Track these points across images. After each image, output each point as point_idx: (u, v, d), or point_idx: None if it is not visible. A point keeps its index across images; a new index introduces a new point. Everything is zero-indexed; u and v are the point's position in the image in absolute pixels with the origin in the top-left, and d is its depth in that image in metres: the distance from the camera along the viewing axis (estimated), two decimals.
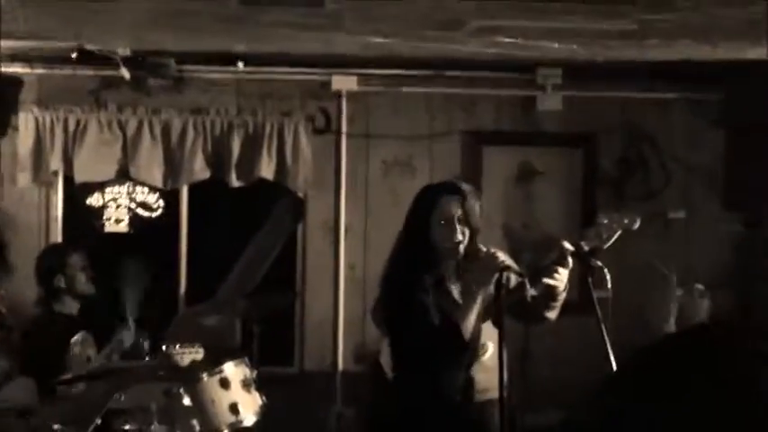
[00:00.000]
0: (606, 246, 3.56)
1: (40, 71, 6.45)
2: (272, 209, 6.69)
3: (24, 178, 6.44)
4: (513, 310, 3.50)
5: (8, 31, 5.73)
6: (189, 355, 4.11)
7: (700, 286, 5.91)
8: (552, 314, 3.68)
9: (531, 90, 6.70)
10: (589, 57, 6.17)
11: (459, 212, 3.54)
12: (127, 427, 4.45)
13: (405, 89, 6.70)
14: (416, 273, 3.50)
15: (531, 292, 3.66)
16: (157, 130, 6.52)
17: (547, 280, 3.50)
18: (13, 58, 6.29)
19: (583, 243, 3.54)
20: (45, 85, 6.50)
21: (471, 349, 3.54)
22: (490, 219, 3.73)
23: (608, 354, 3.22)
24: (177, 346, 4.03)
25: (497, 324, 3.38)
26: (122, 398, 4.13)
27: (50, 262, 5.18)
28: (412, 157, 6.78)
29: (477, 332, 3.51)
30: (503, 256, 3.42)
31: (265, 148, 6.54)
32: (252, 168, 6.53)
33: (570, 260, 3.51)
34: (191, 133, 6.52)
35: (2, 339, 3.22)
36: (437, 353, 3.47)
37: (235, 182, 6.54)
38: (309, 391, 6.64)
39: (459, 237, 3.50)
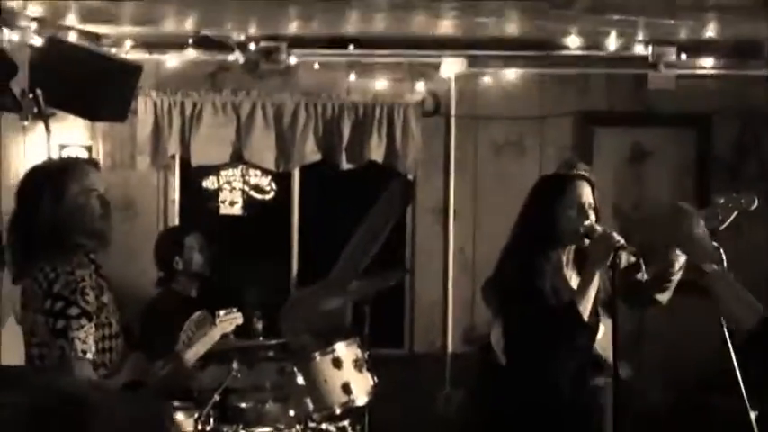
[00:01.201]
0: (723, 226, 3.50)
1: (157, 56, 6.62)
2: (382, 191, 6.75)
3: (143, 162, 6.62)
4: (623, 293, 3.47)
5: (128, 17, 5.93)
6: (230, 321, 4.14)
7: None
8: (664, 296, 3.64)
9: (644, 69, 6.57)
10: (704, 34, 6.02)
11: (589, 199, 3.53)
12: (243, 404, 4.57)
13: (515, 70, 6.65)
14: (538, 255, 3.48)
15: (643, 274, 3.63)
16: (270, 114, 6.63)
17: (667, 260, 3.46)
18: (133, 44, 6.48)
19: None
20: (163, 69, 6.66)
21: (590, 331, 3.52)
22: (601, 200, 3.68)
23: (725, 335, 3.16)
24: (222, 312, 4.09)
25: (611, 304, 3.35)
26: (239, 375, 4.24)
27: (168, 244, 5.33)
28: (522, 139, 6.74)
29: (594, 313, 3.48)
30: (617, 236, 3.39)
31: (375, 131, 6.58)
32: (362, 151, 6.59)
33: None
34: (302, 116, 6.61)
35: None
36: (556, 335, 3.44)
37: (345, 164, 6.61)
38: (419, 372, 6.69)
39: (588, 223, 3.48)
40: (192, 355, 3.78)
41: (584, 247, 3.53)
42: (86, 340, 3.05)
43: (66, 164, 3.38)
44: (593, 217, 3.52)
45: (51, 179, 3.24)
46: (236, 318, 4.11)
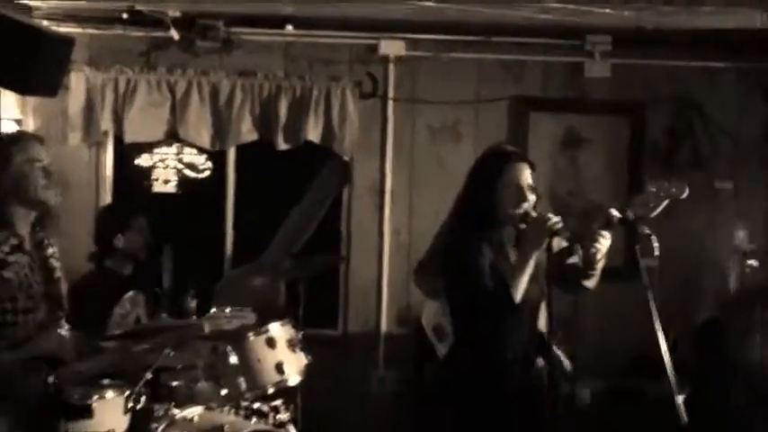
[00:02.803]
0: (653, 214, 3.55)
1: (91, 31, 6.51)
2: (318, 172, 6.74)
3: (75, 137, 6.52)
4: (555, 277, 3.50)
5: None
6: (238, 319, 4.16)
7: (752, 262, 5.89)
8: (590, 283, 3.68)
9: (580, 57, 6.65)
10: (639, 23, 6.10)
11: (529, 181, 3.55)
12: (174, 383, 4.53)
13: (452, 55, 6.68)
14: (476, 236, 3.50)
15: (573, 259, 3.67)
16: (206, 92, 6.57)
17: (590, 245, 3.50)
18: (65, 17, 6.36)
19: (630, 211, 3.53)
20: (96, 45, 6.56)
21: (528, 313, 3.54)
22: (536, 185, 3.71)
23: (654, 322, 3.21)
24: (228, 310, 4.08)
25: (548, 287, 3.39)
26: (171, 354, 4.19)
27: (112, 221, 5.26)
28: (458, 123, 6.78)
29: (534, 295, 3.51)
30: (555, 219, 3.42)
31: (312, 112, 6.56)
32: (299, 131, 6.56)
33: (614, 227, 3.51)
34: (239, 95, 6.56)
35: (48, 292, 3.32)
36: (492, 317, 3.47)
37: (282, 144, 6.57)
38: (353, 353, 6.72)
39: (526, 205, 3.51)
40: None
41: (522, 230, 3.56)
42: None
43: (11, 136, 3.37)
44: (532, 198, 3.54)
45: None
46: (245, 318, 4.11)
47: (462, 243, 3.51)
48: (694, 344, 5.87)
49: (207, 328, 3.97)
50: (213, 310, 4.13)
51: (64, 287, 3.48)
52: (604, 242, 3.54)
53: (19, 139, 3.36)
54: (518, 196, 3.52)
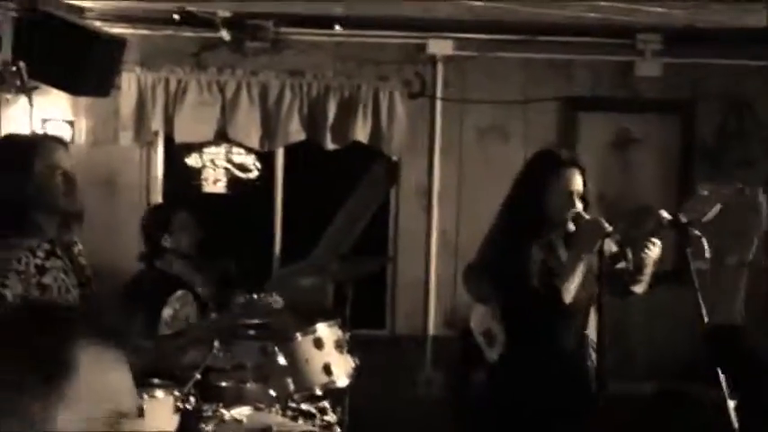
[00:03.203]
0: (706, 218, 3.51)
1: (142, 32, 6.57)
2: (366, 172, 6.75)
3: (126, 137, 6.59)
4: (602, 281, 3.47)
5: None
6: (265, 304, 4.16)
7: None
8: (639, 288, 3.64)
9: (630, 55, 6.58)
10: (690, 22, 6.03)
11: (579, 187, 3.52)
12: (223, 384, 4.56)
13: (501, 54, 6.64)
14: (525, 239, 3.48)
15: (623, 264, 3.63)
16: (255, 92, 6.60)
17: (641, 251, 3.47)
18: (117, 18, 6.43)
19: (681, 215, 3.49)
20: (147, 45, 6.62)
21: (580, 315, 3.52)
22: (586, 188, 3.68)
23: (705, 326, 3.17)
24: (254, 296, 4.09)
25: (598, 291, 3.36)
26: (220, 354, 4.22)
27: (157, 220, 5.29)
28: (506, 123, 6.74)
29: (583, 299, 3.48)
30: (605, 223, 3.39)
31: (360, 112, 6.57)
32: (347, 131, 6.58)
33: (664, 230, 3.47)
34: (287, 95, 6.59)
35: (83, 295, 3.30)
36: (543, 320, 3.44)
37: (330, 144, 6.59)
38: (400, 354, 6.71)
39: (577, 209, 3.48)
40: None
41: (571, 232, 3.53)
42: None
43: (32, 140, 3.31)
44: (579, 205, 3.52)
45: (17, 156, 3.17)
46: (274, 303, 4.12)
47: (511, 246, 3.49)
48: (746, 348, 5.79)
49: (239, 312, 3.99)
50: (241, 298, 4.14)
51: (96, 286, 3.49)
52: (654, 249, 3.50)
53: (40, 143, 3.26)
54: (567, 203, 3.49)
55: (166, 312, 4.77)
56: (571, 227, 3.52)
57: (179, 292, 4.80)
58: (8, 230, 3.11)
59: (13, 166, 3.14)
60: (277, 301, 4.17)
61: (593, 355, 3.53)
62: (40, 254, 3.15)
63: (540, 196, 3.50)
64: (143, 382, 3.92)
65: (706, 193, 3.56)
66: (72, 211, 3.27)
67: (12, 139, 3.41)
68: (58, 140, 3.39)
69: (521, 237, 3.50)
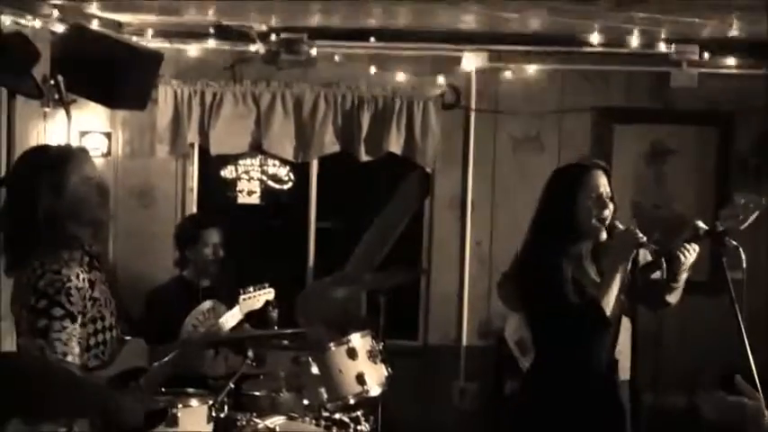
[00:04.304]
0: (742, 227, 3.47)
1: (179, 46, 6.64)
2: (400, 183, 6.75)
3: (162, 150, 6.65)
4: (637, 294, 3.45)
5: (150, 6, 5.95)
6: (263, 296, 4.18)
7: None
8: (673, 297, 3.61)
9: (666, 66, 6.54)
10: (727, 32, 5.98)
11: (607, 189, 3.51)
12: (257, 393, 4.58)
13: (535, 66, 6.64)
14: (556, 250, 3.46)
15: (657, 274, 3.60)
16: (290, 104, 6.64)
17: (678, 255, 3.44)
18: (154, 33, 6.50)
19: (718, 223, 3.46)
20: (183, 59, 6.68)
21: (613, 329, 3.50)
22: (620, 198, 3.66)
23: (742, 336, 3.14)
24: (251, 288, 4.11)
25: (631, 302, 3.34)
26: (254, 364, 4.25)
27: (186, 232, 5.36)
28: (541, 134, 6.73)
29: (617, 311, 3.47)
30: (639, 233, 3.37)
31: (394, 123, 6.58)
32: (380, 143, 6.59)
33: (700, 240, 3.44)
34: (322, 107, 6.62)
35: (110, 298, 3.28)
36: (579, 332, 3.42)
37: (364, 156, 6.61)
38: (434, 364, 6.70)
39: (607, 213, 3.47)
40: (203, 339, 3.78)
41: (602, 241, 3.51)
42: (68, 342, 2.97)
43: (64, 153, 3.29)
44: (611, 206, 3.50)
45: (51, 169, 3.14)
46: (267, 293, 4.13)
47: (543, 258, 3.48)
48: None
49: (243, 310, 4.00)
50: (241, 291, 4.15)
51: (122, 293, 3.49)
52: (692, 254, 3.47)
53: (71, 156, 3.22)
54: (599, 204, 3.48)
55: (188, 323, 4.81)
56: (603, 236, 3.50)
57: (206, 304, 4.84)
58: (50, 244, 3.09)
59: (49, 177, 3.11)
60: (270, 291, 4.19)
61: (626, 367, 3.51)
62: (85, 267, 3.15)
63: (570, 202, 3.49)
64: (177, 392, 3.96)
65: (743, 201, 3.52)
66: (105, 221, 3.29)
67: (43, 152, 3.39)
68: (83, 150, 3.39)
69: (554, 246, 3.48)
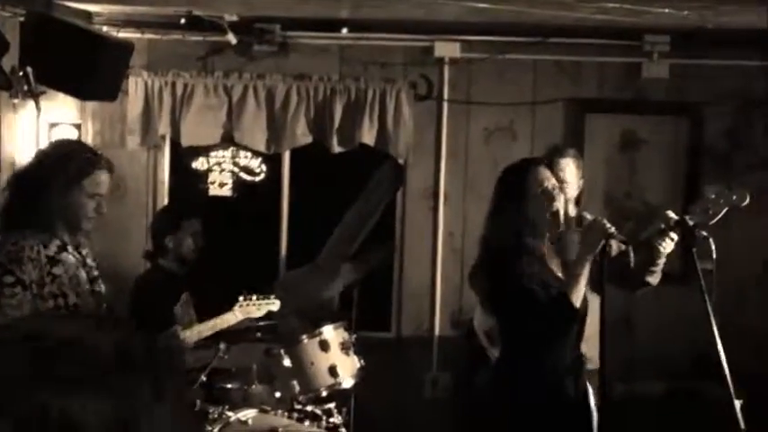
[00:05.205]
0: (713, 222, 3.49)
1: (149, 36, 6.59)
2: (373, 175, 6.75)
3: (133, 141, 6.60)
4: (614, 278, 3.47)
5: None
6: (265, 306, 4.18)
7: None
8: (653, 279, 3.64)
9: (638, 57, 6.57)
10: (699, 23, 6.01)
11: (552, 181, 3.51)
12: (229, 385, 4.57)
13: (508, 56, 6.64)
14: (518, 252, 3.46)
15: (631, 262, 3.63)
16: (262, 96, 6.61)
17: (656, 246, 3.46)
18: (125, 23, 6.45)
19: (688, 217, 3.48)
20: (154, 49, 6.63)
21: (581, 319, 3.51)
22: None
23: (712, 326, 3.16)
24: (254, 297, 4.10)
25: (599, 291, 3.35)
26: (226, 357, 4.24)
27: (165, 221, 5.34)
28: (513, 124, 6.74)
29: (585, 301, 3.48)
30: (608, 224, 3.38)
31: (367, 115, 6.56)
32: (353, 134, 6.57)
33: (671, 230, 3.46)
34: (294, 99, 6.59)
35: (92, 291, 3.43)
36: (548, 327, 3.43)
37: (336, 147, 6.59)
38: (406, 355, 6.71)
39: (557, 205, 3.47)
40: (195, 333, 3.80)
41: (564, 233, 3.53)
42: (19, 308, 3.16)
43: (91, 160, 3.42)
44: (560, 199, 3.51)
45: (71, 167, 3.36)
46: (271, 303, 4.12)
47: (506, 256, 3.48)
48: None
49: (239, 316, 4.01)
50: (240, 298, 4.15)
51: (104, 286, 3.56)
52: (669, 243, 3.49)
53: (96, 166, 3.41)
54: (547, 198, 3.49)
55: (178, 311, 4.80)
56: (560, 227, 3.52)
57: (183, 295, 4.83)
58: (26, 228, 3.29)
59: (65, 176, 3.34)
60: (274, 302, 4.18)
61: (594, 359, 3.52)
62: (53, 247, 3.32)
63: (518, 199, 3.51)
64: None
65: (714, 196, 3.53)
66: (86, 230, 3.43)
67: (75, 147, 3.56)
68: (108, 164, 3.48)
69: (511, 243, 3.49)
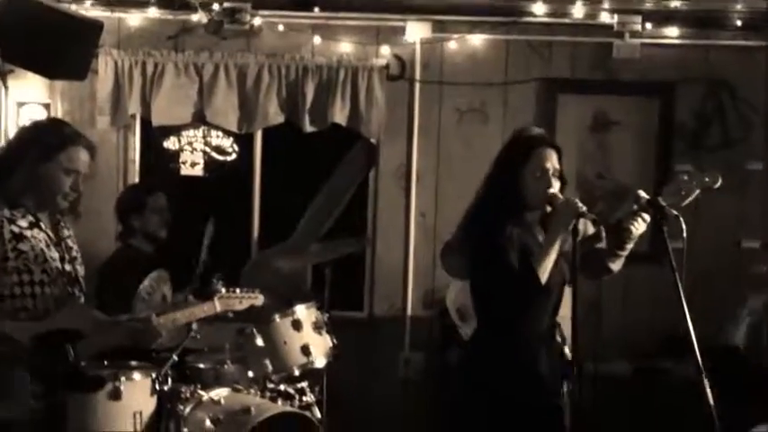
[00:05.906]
0: (685, 203, 3.50)
1: (119, 14, 6.53)
2: (345, 154, 6.74)
3: (103, 121, 6.55)
4: (580, 261, 3.47)
5: None
6: (247, 300, 4.15)
7: None
8: (616, 265, 3.65)
9: (609, 37, 6.59)
10: (669, 3, 6.03)
11: (555, 165, 3.52)
12: (201, 365, 4.55)
13: (479, 36, 6.64)
14: (502, 218, 3.47)
15: (601, 244, 3.64)
16: (233, 75, 6.58)
17: (628, 226, 3.47)
18: (94, 1, 6.39)
19: (660, 199, 3.49)
20: (124, 28, 6.58)
21: (554, 296, 3.52)
22: (564, 167, 3.68)
23: (682, 304, 3.18)
24: (237, 290, 4.06)
25: (571, 271, 3.36)
26: (198, 336, 4.21)
27: (129, 201, 5.29)
28: (485, 105, 6.74)
29: (557, 281, 3.49)
30: (579, 203, 3.39)
31: (339, 94, 6.55)
32: (325, 113, 6.56)
33: (642, 209, 3.47)
34: (265, 78, 6.57)
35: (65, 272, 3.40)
36: (517, 298, 3.45)
37: (308, 127, 6.58)
38: (378, 335, 6.73)
39: (552, 191, 3.48)
40: (170, 321, 3.75)
41: (548, 213, 3.53)
42: None
43: (69, 134, 3.37)
44: (557, 184, 3.52)
45: (46, 139, 3.32)
46: (254, 298, 4.08)
47: (488, 224, 3.49)
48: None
49: (218, 308, 3.97)
50: (222, 290, 4.12)
51: (81, 268, 3.52)
52: (641, 224, 3.51)
53: (75, 142, 3.35)
54: (544, 182, 3.49)
55: (143, 288, 4.75)
56: (548, 208, 3.52)
57: (155, 272, 4.79)
58: None
59: (42, 150, 3.28)
60: (257, 297, 4.15)
61: (566, 337, 3.54)
62: (22, 223, 3.29)
63: (515, 175, 3.50)
64: (120, 365, 3.92)
65: (686, 178, 3.55)
66: (61, 209, 3.39)
67: (59, 127, 3.51)
68: (88, 143, 3.43)
69: (498, 215, 3.50)
